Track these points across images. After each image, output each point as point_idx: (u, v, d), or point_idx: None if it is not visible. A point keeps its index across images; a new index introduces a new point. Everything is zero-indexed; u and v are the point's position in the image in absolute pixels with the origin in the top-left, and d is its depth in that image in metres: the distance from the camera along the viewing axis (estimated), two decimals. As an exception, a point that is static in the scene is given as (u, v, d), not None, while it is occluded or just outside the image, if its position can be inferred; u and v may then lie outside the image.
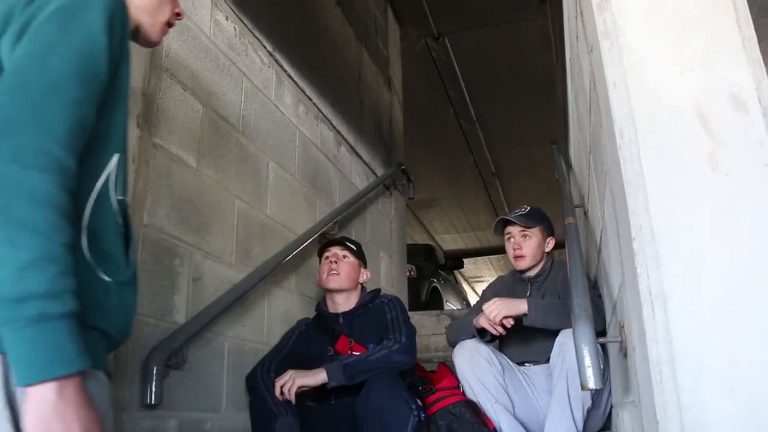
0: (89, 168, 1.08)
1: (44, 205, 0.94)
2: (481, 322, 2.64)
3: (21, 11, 1.08)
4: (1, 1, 1.14)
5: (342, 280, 2.97)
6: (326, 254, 3.08)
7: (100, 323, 1.08)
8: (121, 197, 1.18)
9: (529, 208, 3.06)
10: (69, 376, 0.92)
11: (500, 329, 2.60)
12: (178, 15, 1.44)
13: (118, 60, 1.14)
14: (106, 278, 1.10)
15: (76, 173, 1.01)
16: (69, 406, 0.91)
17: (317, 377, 2.58)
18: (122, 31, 1.16)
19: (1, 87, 1.00)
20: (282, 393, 2.57)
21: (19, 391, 0.95)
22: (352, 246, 3.12)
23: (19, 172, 0.93)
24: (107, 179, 1.13)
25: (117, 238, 1.16)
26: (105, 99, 1.11)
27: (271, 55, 3.40)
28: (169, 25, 1.42)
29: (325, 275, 2.99)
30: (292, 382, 2.57)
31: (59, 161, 0.97)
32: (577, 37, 2.34)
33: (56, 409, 0.90)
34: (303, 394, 2.66)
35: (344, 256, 3.05)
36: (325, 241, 3.30)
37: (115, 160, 1.15)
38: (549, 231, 3.05)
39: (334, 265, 2.99)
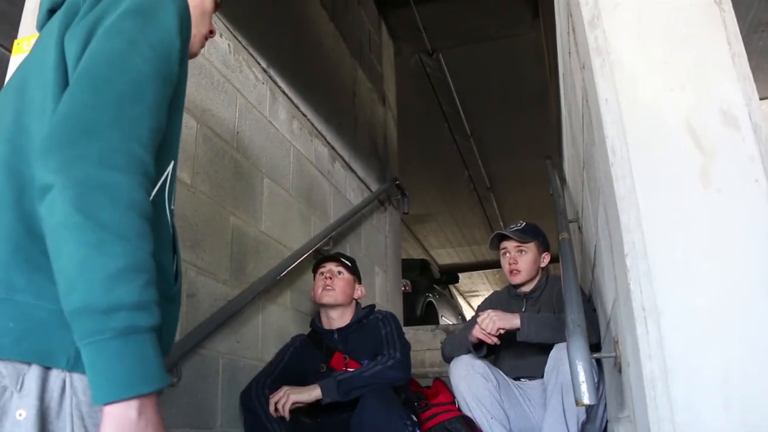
0: None
1: (132, 210, 0.88)
2: (476, 333, 2.64)
3: (89, 7, 1.05)
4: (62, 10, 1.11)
5: (337, 296, 2.97)
6: (321, 270, 3.08)
7: None
8: (172, 206, 1.13)
9: (524, 223, 3.08)
10: (150, 394, 0.86)
11: (495, 339, 2.60)
12: (211, 33, 1.41)
13: (181, 64, 1.11)
14: None
15: (154, 178, 0.97)
16: (149, 427, 0.86)
17: (311, 394, 2.58)
18: (187, 35, 1.13)
19: (81, 84, 0.94)
20: (276, 409, 2.56)
21: (53, 412, 0.89)
22: (347, 262, 3.12)
23: (107, 175, 0.87)
24: (162, 187, 1.08)
25: (168, 250, 1.10)
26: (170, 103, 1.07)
27: (265, 71, 3.41)
28: (206, 38, 1.39)
29: (319, 291, 2.99)
30: (286, 398, 2.56)
31: (144, 164, 0.93)
32: (569, 53, 2.36)
33: (137, 430, 0.84)
34: (298, 410, 2.65)
35: (339, 272, 3.04)
36: (320, 257, 3.29)
37: (170, 167, 1.10)
38: (545, 246, 3.06)
39: (329, 281, 2.99)
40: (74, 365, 0.90)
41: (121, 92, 0.94)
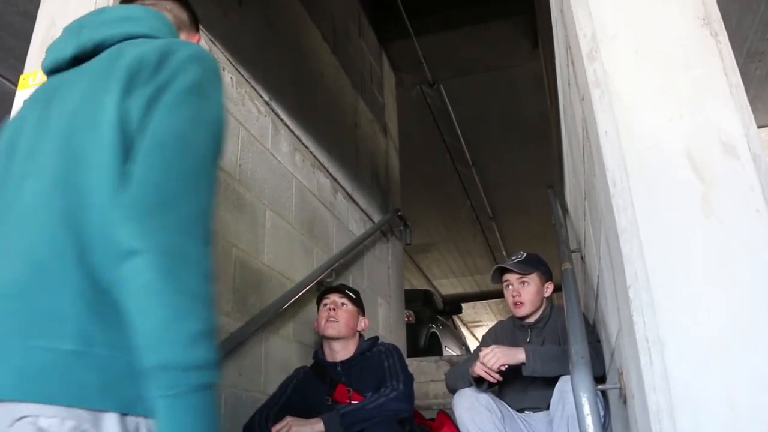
0: None
1: (205, 277, 0.98)
2: (477, 370, 2.61)
3: (150, 76, 1.08)
4: (118, 61, 1.12)
5: (340, 328, 2.95)
6: (324, 301, 3.07)
7: None
8: None
9: (525, 254, 3.06)
10: None
11: (497, 376, 2.58)
12: None
13: None
14: None
15: None
16: None
17: (314, 428, 2.55)
18: None
19: (154, 158, 1.01)
20: None
21: None
22: (351, 294, 3.11)
23: (185, 244, 0.97)
24: None
25: None
26: None
27: (267, 104, 3.43)
28: None
29: (323, 322, 2.98)
30: (288, 429, 2.53)
31: (210, 235, 1.02)
32: (569, 84, 2.37)
33: None
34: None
35: (343, 304, 3.03)
36: (323, 289, 3.29)
37: None
38: (547, 276, 3.04)
39: (332, 313, 2.97)
40: (146, 411, 0.96)
41: (189, 168, 1.03)
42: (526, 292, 2.95)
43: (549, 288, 3.03)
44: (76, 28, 1.25)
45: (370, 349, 2.98)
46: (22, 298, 0.97)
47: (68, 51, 1.21)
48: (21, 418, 0.91)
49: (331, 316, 2.96)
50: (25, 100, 1.26)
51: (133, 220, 0.95)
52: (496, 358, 2.55)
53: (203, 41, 2.84)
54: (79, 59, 1.20)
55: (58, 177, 1.05)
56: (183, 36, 1.40)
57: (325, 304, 3.04)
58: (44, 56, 1.27)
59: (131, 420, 0.97)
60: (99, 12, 1.28)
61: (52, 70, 1.25)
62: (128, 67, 1.09)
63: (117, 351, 0.96)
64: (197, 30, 1.46)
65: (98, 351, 0.96)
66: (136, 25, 1.22)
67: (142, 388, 0.94)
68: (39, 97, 1.21)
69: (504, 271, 3.03)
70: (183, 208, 0.99)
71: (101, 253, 0.97)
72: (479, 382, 2.69)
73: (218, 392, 2.52)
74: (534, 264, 3.01)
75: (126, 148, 1.02)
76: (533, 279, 2.97)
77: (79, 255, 0.98)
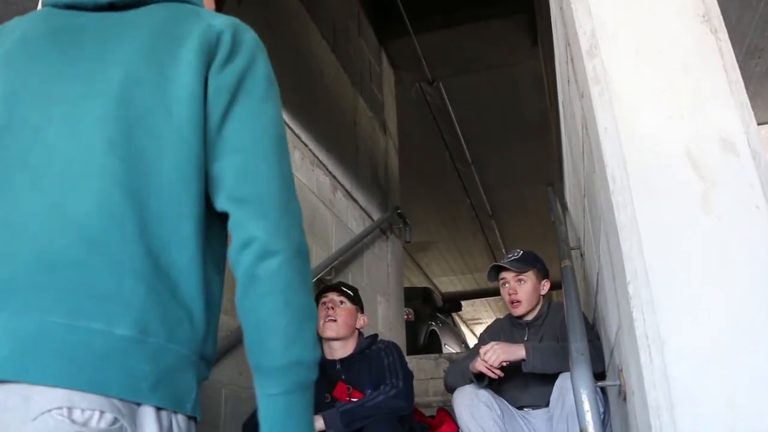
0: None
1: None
2: (478, 366, 2.61)
3: (228, 58, 1.01)
4: (182, 27, 1.02)
5: (339, 328, 2.94)
6: (323, 300, 3.06)
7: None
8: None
9: (521, 252, 3.05)
10: None
11: (498, 372, 2.58)
12: None
13: None
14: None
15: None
16: None
17: (314, 425, 2.55)
18: None
19: (268, 159, 0.99)
20: None
21: None
22: (349, 291, 3.10)
23: (305, 243, 0.99)
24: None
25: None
26: None
27: (266, 102, 3.43)
28: None
29: (321, 322, 2.97)
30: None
31: None
32: (568, 81, 2.37)
33: None
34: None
35: (341, 302, 3.02)
36: (321, 288, 3.28)
37: None
38: (543, 273, 3.03)
39: (330, 312, 2.96)
40: (185, 408, 0.93)
41: (289, 162, 1.03)
42: (522, 290, 2.93)
43: (545, 286, 3.02)
44: None
45: (369, 346, 2.98)
46: (73, 271, 0.86)
47: None
48: (48, 411, 0.79)
49: (330, 315, 2.95)
50: (20, 22, 1.10)
51: (270, 218, 0.95)
52: (496, 355, 2.55)
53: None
54: (114, 6, 1.06)
55: (115, 141, 0.92)
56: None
57: (324, 303, 3.03)
58: None
59: (164, 414, 0.89)
60: None
61: (70, 6, 1.08)
62: (202, 39, 1.00)
63: (172, 342, 0.90)
64: None
65: (154, 340, 0.88)
66: None
67: (186, 383, 0.93)
68: (51, 29, 1.06)
69: (500, 269, 3.03)
70: (295, 204, 1.00)
71: (160, 226, 0.91)
72: (479, 379, 2.69)
73: (218, 391, 2.53)
74: (530, 262, 2.99)
75: (205, 128, 0.97)
76: (529, 277, 2.96)
77: (140, 230, 0.89)
